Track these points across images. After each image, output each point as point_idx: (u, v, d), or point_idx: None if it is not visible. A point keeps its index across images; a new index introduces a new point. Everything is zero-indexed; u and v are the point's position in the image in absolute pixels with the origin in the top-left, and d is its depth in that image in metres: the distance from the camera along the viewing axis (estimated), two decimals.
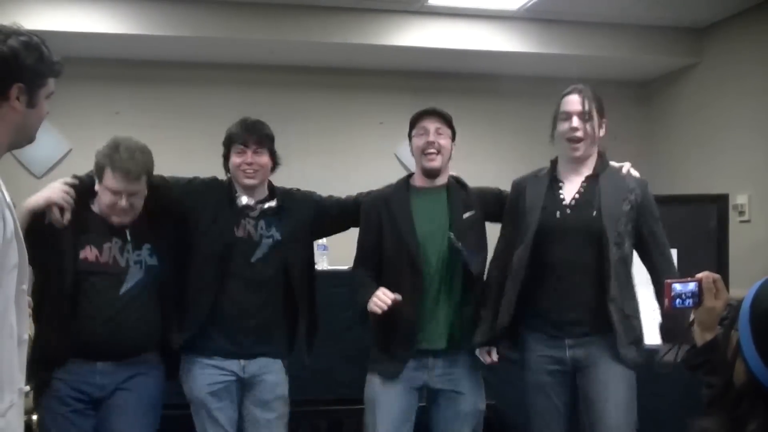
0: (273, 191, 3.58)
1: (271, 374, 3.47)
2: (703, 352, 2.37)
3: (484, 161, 6.48)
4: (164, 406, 3.43)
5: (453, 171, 3.60)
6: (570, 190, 3.39)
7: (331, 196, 3.71)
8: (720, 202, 5.01)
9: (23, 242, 2.11)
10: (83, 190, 3.32)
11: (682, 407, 3.11)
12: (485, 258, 3.55)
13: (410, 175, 3.66)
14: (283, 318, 3.51)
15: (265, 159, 3.51)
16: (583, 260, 3.29)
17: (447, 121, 3.55)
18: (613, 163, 3.45)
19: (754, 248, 5.78)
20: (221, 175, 3.58)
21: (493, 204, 3.59)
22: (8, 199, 2.07)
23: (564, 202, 3.36)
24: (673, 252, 4.13)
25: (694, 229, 4.89)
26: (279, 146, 3.55)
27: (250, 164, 3.48)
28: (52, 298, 3.24)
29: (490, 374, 3.71)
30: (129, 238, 3.34)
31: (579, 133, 3.34)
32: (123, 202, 3.24)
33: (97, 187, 3.29)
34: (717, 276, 2.49)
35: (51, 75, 2.19)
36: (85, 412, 3.30)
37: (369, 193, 3.66)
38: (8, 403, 2.03)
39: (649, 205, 3.37)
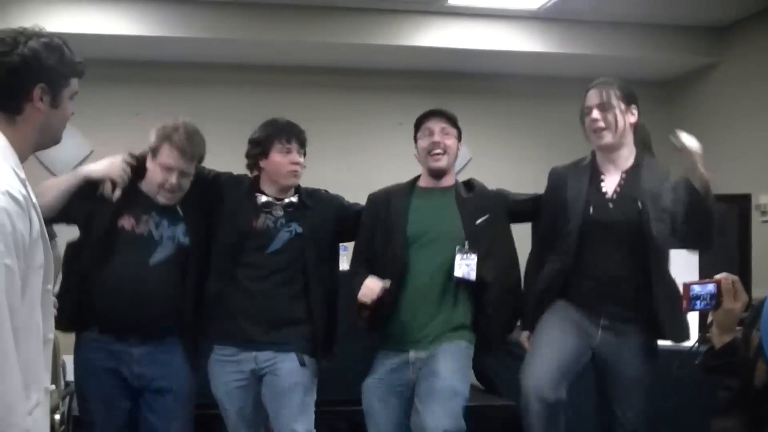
0: (297, 189, 3.60)
1: (284, 363, 3.43)
2: (721, 354, 2.36)
3: (503, 162, 6.48)
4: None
5: (471, 173, 3.58)
6: (611, 183, 3.43)
7: (356, 204, 3.71)
8: (742, 202, 4.99)
9: (48, 243, 2.14)
10: (135, 167, 3.45)
11: (696, 408, 3.12)
12: (499, 263, 3.52)
13: (419, 176, 3.65)
14: (298, 314, 3.48)
15: (302, 160, 3.54)
16: (624, 254, 3.34)
17: (452, 120, 3.56)
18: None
19: None
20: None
21: (507, 205, 3.61)
22: (34, 199, 2.09)
23: (606, 196, 3.40)
24: (695, 252, 4.11)
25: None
26: None
27: (297, 163, 3.50)
28: (84, 257, 3.37)
29: (509, 374, 3.70)
30: (167, 214, 3.44)
31: (600, 124, 3.40)
32: (173, 180, 3.36)
33: (149, 164, 3.41)
34: (735, 277, 2.48)
35: (74, 75, 2.22)
36: (114, 399, 3.37)
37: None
38: (35, 401, 2.06)
39: (694, 195, 3.33)
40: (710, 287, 2.47)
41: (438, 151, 3.50)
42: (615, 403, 3.40)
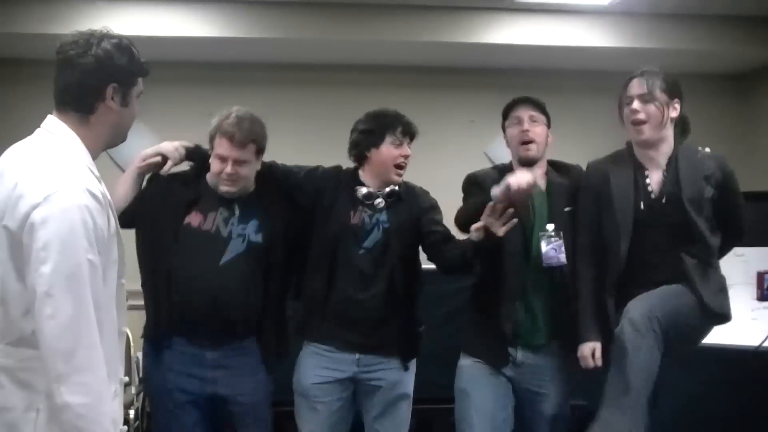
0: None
1: (387, 373, 3.45)
2: None
3: (577, 160, 6.39)
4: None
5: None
6: (655, 178, 3.31)
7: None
8: None
9: (121, 238, 2.24)
10: (200, 161, 3.46)
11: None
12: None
13: (508, 166, 3.57)
14: (392, 313, 3.44)
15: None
16: (674, 251, 3.22)
17: (541, 108, 3.49)
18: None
19: None
20: None
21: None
22: (109, 196, 2.20)
23: (652, 195, 3.29)
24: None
25: None
26: None
27: (406, 157, 3.48)
28: (153, 257, 3.37)
29: (581, 373, 3.64)
30: (237, 210, 3.39)
31: (641, 116, 3.27)
32: (228, 169, 3.31)
33: (211, 158, 3.39)
34: None
35: (141, 74, 2.31)
36: (186, 407, 3.33)
37: None
38: (113, 392, 2.17)
39: (729, 185, 3.28)
40: None
41: (527, 139, 3.44)
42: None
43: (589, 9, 6.15)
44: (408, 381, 3.54)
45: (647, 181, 3.31)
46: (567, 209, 3.44)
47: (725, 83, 7.01)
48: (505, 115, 3.54)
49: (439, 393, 3.74)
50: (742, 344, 3.43)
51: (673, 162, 3.30)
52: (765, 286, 2.48)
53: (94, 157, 2.23)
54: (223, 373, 3.33)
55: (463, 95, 6.72)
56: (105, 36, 2.23)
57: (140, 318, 3.38)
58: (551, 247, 3.34)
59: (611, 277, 3.29)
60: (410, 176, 3.60)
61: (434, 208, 3.58)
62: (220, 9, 5.89)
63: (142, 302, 3.40)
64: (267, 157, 3.49)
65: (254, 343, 3.38)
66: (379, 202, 3.47)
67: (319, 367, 3.44)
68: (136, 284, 3.34)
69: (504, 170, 3.45)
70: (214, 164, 3.35)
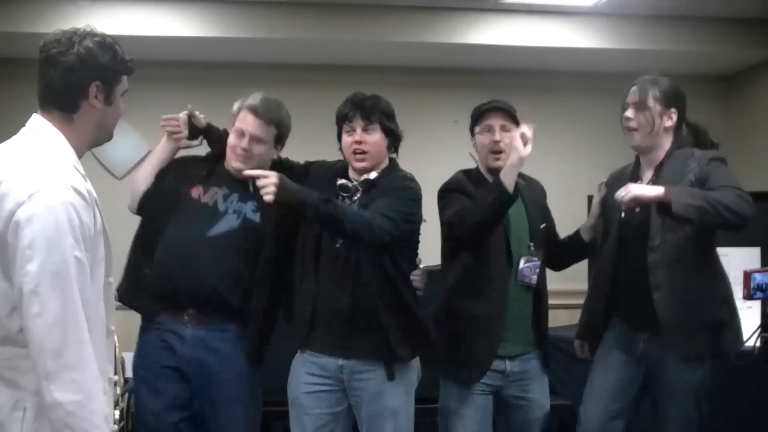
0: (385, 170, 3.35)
1: (367, 383, 3.23)
2: None
3: (560, 160, 6.41)
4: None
5: (526, 170, 3.53)
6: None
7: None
8: None
9: (108, 236, 2.24)
10: (219, 147, 3.45)
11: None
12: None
13: (474, 171, 3.60)
14: (375, 309, 3.20)
15: (376, 137, 3.31)
16: (646, 258, 3.26)
17: (512, 116, 3.45)
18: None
19: None
20: None
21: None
22: (95, 194, 2.19)
23: None
24: (756, 250, 4.04)
25: None
26: None
27: (360, 143, 3.28)
28: (149, 218, 3.43)
29: (566, 374, 3.67)
30: (240, 189, 3.36)
31: (632, 123, 3.33)
32: (244, 143, 3.29)
33: (231, 133, 3.38)
34: None
35: (125, 73, 2.31)
36: (171, 377, 3.30)
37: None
38: (102, 390, 2.15)
39: (712, 172, 3.23)
40: None
41: (498, 149, 3.44)
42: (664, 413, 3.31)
43: (574, 10, 6.16)
44: (394, 394, 3.23)
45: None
46: (542, 226, 3.48)
47: (713, 84, 7.03)
48: (475, 120, 3.53)
49: (421, 393, 3.73)
50: None
51: (660, 168, 3.33)
52: (752, 285, 2.49)
53: (80, 155, 2.24)
54: (201, 352, 3.29)
55: (447, 95, 6.71)
56: (88, 34, 2.24)
57: (126, 319, 3.36)
58: (528, 266, 3.41)
59: (604, 283, 3.42)
60: None
61: (410, 186, 3.39)
62: (204, 9, 5.86)
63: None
64: None
65: (238, 330, 3.33)
66: (353, 193, 3.30)
67: (305, 374, 3.30)
68: None
69: (473, 176, 3.50)
70: (232, 137, 3.35)
